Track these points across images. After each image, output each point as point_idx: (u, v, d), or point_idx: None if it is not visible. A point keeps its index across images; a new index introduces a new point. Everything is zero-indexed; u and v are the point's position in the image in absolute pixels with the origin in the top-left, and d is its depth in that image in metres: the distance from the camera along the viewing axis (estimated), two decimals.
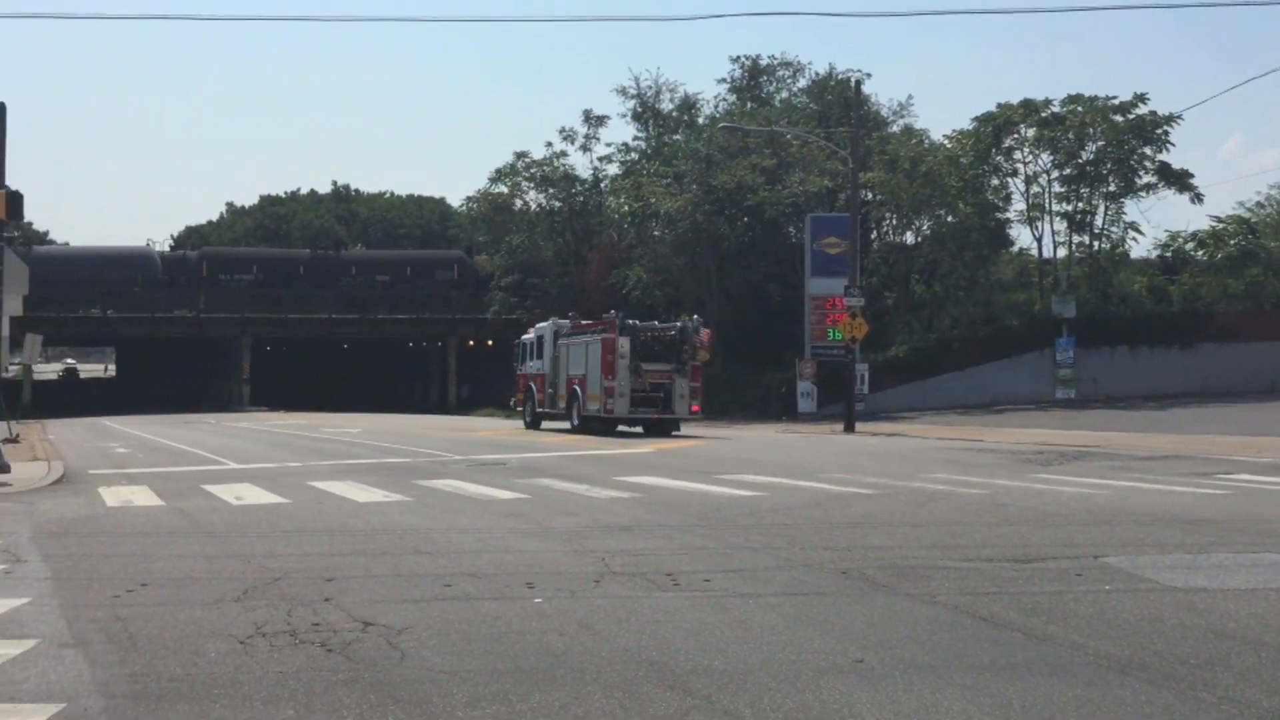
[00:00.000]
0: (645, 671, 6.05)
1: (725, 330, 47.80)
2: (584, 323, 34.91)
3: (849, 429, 32.30)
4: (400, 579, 8.74)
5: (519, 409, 38.32)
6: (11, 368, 38.44)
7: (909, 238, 48.82)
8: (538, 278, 58.87)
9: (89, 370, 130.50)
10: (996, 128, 46.05)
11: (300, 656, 6.39)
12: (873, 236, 48.59)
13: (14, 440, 26.73)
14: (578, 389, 32.85)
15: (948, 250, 45.67)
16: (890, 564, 9.22)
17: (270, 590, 8.29)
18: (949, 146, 47.30)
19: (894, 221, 49.10)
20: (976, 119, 46.84)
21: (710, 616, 7.34)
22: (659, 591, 8.17)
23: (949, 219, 45.58)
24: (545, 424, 36.03)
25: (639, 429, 31.94)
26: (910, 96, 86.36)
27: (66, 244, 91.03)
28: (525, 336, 38.41)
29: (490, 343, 64.27)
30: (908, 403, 42.43)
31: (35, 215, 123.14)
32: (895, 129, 51.77)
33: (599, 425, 31.86)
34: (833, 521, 11.89)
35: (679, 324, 32.80)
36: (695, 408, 31.83)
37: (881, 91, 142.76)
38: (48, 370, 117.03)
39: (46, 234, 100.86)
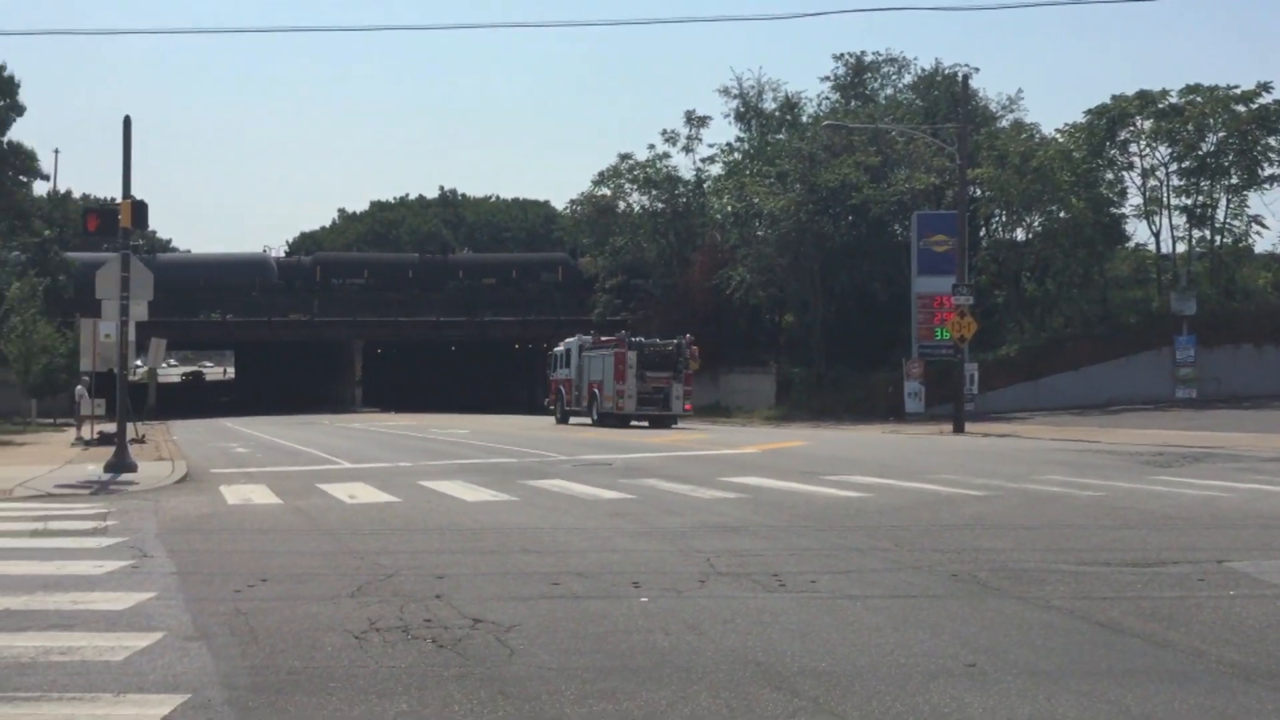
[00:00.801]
0: (752, 672, 6.05)
1: (830, 330, 47.35)
2: (602, 339, 42.01)
3: (958, 429, 31.73)
4: (508, 577, 8.87)
5: (551, 407, 45.14)
6: (138, 370, 39.97)
7: (1019, 234, 47.69)
8: (641, 279, 58.87)
9: (212, 373, 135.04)
10: (1110, 120, 44.73)
11: (412, 651, 6.54)
12: (981, 234, 47.60)
13: (140, 441, 27.80)
14: (596, 391, 40.03)
15: (1060, 247, 44.48)
16: (1002, 567, 9.04)
17: (383, 586, 8.49)
18: (1060, 140, 46.07)
19: (1003, 218, 48.02)
20: (1089, 112, 45.57)
21: (817, 618, 7.29)
22: (765, 592, 8.15)
23: (1061, 214, 44.42)
24: (572, 420, 41.72)
25: (645, 423, 38.29)
26: (1019, 90, 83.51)
27: (188, 251, 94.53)
28: (556, 349, 45.21)
29: None
30: (1019, 403, 41.49)
31: (159, 224, 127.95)
32: (1004, 124, 50.68)
33: (613, 420, 38.48)
34: (942, 523, 11.71)
35: (676, 340, 39.80)
36: (688, 406, 39.48)
37: (989, 86, 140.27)
38: (174, 373, 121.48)
39: (169, 242, 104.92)
